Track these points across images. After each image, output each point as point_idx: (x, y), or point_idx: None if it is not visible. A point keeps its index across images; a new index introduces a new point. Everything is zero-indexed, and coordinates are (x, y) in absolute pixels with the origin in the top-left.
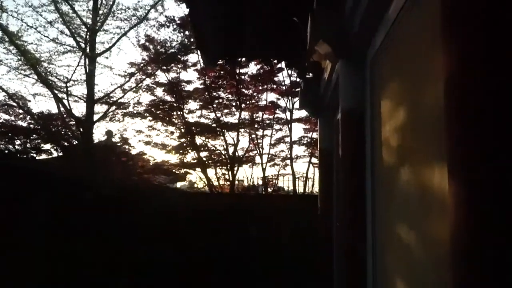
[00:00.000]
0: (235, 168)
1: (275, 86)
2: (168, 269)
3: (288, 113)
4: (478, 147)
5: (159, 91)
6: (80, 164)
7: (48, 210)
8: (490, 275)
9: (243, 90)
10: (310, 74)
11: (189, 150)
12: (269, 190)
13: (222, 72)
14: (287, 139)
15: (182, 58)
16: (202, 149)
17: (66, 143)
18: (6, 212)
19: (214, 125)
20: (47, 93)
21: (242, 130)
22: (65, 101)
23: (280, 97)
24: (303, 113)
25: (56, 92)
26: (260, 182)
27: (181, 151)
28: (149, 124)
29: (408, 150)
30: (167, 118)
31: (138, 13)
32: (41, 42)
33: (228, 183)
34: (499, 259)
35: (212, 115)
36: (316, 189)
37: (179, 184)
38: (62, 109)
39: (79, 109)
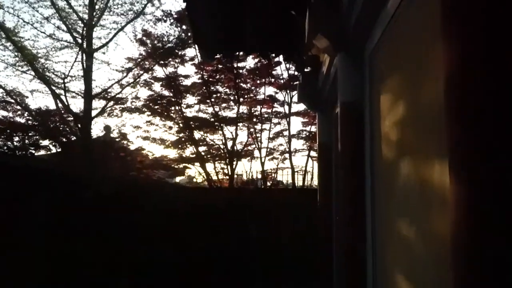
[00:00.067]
0: (234, 162)
1: (273, 80)
2: (168, 268)
3: (286, 107)
4: (478, 147)
5: (157, 86)
6: (79, 160)
7: (47, 209)
8: (490, 275)
9: (241, 84)
10: (309, 68)
11: (188, 145)
12: (268, 184)
13: (220, 66)
14: (286, 133)
15: (180, 53)
16: (200, 143)
17: (64, 139)
18: (5, 211)
19: (212, 119)
20: (45, 89)
21: (240, 124)
22: (62, 97)
23: (278, 91)
24: (302, 107)
25: (53, 88)
26: (259, 176)
27: (179, 146)
28: (147, 119)
29: (407, 145)
30: (165, 113)
31: (135, 7)
32: (37, 38)
33: (227, 177)
34: (499, 259)
35: (210, 110)
36: (315, 182)
37: (178, 179)
38: (60, 105)
39: (77, 105)
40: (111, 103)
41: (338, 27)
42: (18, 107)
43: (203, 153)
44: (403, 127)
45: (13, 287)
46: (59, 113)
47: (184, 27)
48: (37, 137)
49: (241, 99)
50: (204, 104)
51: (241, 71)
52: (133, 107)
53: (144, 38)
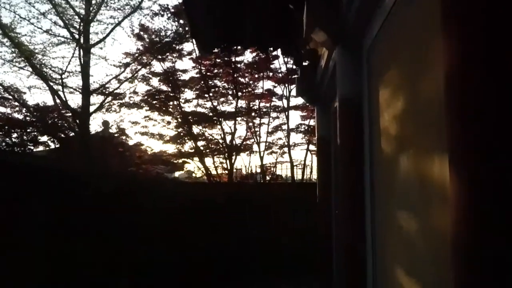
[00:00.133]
0: (233, 157)
1: (271, 74)
2: (168, 266)
3: (285, 101)
4: (478, 147)
5: (155, 81)
6: (78, 156)
7: (45, 207)
8: (491, 275)
9: (239, 78)
10: (307, 61)
11: (187, 140)
12: (267, 178)
13: (218, 61)
14: (284, 127)
15: (177, 47)
16: (199, 138)
17: (62, 135)
18: (4, 210)
19: (210, 114)
20: (42, 85)
21: (239, 118)
22: (60, 93)
23: (276, 85)
24: (300, 101)
25: (51, 84)
26: (258, 170)
27: (178, 141)
28: (145, 114)
29: (407, 139)
30: (164, 108)
31: (132, 2)
32: (34, 33)
33: (226, 171)
34: (499, 259)
35: (208, 104)
36: (314, 176)
37: (177, 174)
38: (57, 101)
39: (75, 100)
40: (109, 98)
41: (336, 21)
42: (16, 103)
43: (202, 148)
44: (402, 121)
45: (12, 287)
46: (57, 109)
47: (181, 21)
48: (36, 133)
49: (240, 94)
50: (202, 98)
51: (239, 65)
52: (131, 102)
53: (142, 33)
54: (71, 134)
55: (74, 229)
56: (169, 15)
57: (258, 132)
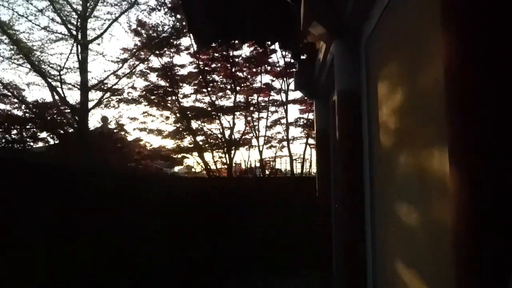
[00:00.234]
0: (232, 152)
1: (269, 68)
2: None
3: (283, 95)
4: (478, 147)
5: (153, 76)
6: (77, 152)
7: (44, 205)
8: (491, 274)
9: (237, 73)
10: (305, 55)
11: (186, 135)
12: (267, 172)
13: (215, 55)
14: (283, 121)
15: (175, 42)
16: (198, 133)
17: (62, 131)
18: (4, 210)
19: (209, 109)
20: (41, 81)
21: (237, 113)
22: (59, 89)
23: (274, 79)
24: (299, 94)
25: (49, 80)
26: (258, 165)
27: (177, 136)
28: (144, 109)
29: (406, 133)
30: (162, 103)
31: None
32: (32, 30)
33: (226, 166)
34: (499, 259)
35: (207, 99)
36: (314, 170)
37: (176, 169)
38: (56, 97)
39: (73, 96)
40: (108, 94)
41: (334, 14)
42: (15, 100)
43: (201, 143)
44: (402, 115)
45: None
46: (56, 105)
47: (178, 16)
48: (35, 129)
49: (238, 88)
50: (200, 93)
51: (237, 59)
52: (129, 98)
53: (139, 28)
54: (70, 130)
55: (73, 226)
56: (166, 10)
57: (257, 127)
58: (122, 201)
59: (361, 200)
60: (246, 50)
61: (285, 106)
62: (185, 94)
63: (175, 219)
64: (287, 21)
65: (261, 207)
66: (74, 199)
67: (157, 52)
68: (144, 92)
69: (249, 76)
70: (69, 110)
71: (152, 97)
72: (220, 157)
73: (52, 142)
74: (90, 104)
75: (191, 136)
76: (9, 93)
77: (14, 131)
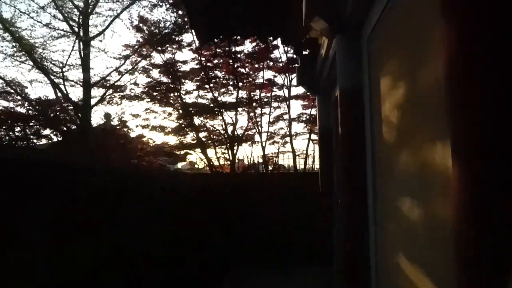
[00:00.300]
0: (235, 147)
1: (271, 64)
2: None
3: (285, 90)
4: (480, 146)
5: (155, 73)
6: (80, 149)
7: (46, 205)
8: (493, 274)
9: (240, 68)
10: (307, 50)
11: (188, 131)
12: (270, 168)
13: (218, 51)
14: (286, 117)
15: (177, 38)
16: (201, 129)
17: (65, 128)
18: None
19: (212, 105)
20: (44, 79)
21: (240, 109)
22: (61, 86)
23: (277, 75)
24: (301, 90)
25: (52, 77)
26: (261, 161)
27: (180, 133)
28: (146, 106)
29: (410, 130)
30: (165, 100)
31: None
32: (34, 27)
33: (229, 162)
34: (502, 259)
35: (209, 95)
36: (317, 165)
37: (179, 165)
38: (59, 94)
39: (76, 93)
40: (110, 91)
41: (335, 9)
42: (18, 98)
43: (203, 139)
44: (404, 110)
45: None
46: (59, 102)
47: (180, 12)
48: (38, 126)
49: (240, 84)
50: (203, 89)
51: (239, 55)
52: (132, 94)
53: (141, 25)
54: (73, 127)
55: (72, 224)
56: (167, 6)
57: (259, 122)
58: (124, 198)
59: (363, 199)
60: (248, 46)
61: (287, 102)
62: (187, 91)
63: (179, 215)
64: (290, 16)
65: (263, 202)
66: (75, 196)
67: (159, 48)
68: (146, 89)
69: (251, 72)
70: (72, 107)
71: (155, 94)
72: (223, 153)
73: (55, 139)
74: (93, 101)
75: (193, 132)
76: (12, 91)
77: (18, 129)
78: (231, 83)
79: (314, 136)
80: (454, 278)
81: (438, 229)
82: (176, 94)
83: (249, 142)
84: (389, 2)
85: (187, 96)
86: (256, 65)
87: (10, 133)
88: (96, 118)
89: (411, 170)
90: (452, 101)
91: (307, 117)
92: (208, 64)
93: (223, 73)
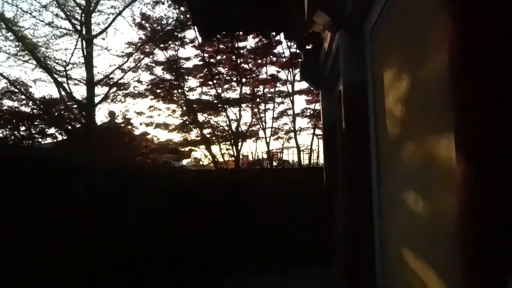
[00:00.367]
0: (239, 144)
1: (274, 59)
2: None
3: (289, 86)
4: (481, 146)
5: (158, 70)
6: (85, 148)
7: (49, 205)
8: (494, 274)
9: (243, 64)
10: (310, 45)
11: (192, 128)
12: (274, 164)
13: (221, 47)
14: (290, 112)
15: (179, 35)
16: (205, 126)
17: (69, 127)
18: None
19: (215, 101)
20: (47, 78)
21: (244, 105)
22: (65, 85)
23: (280, 70)
24: (305, 85)
25: (55, 76)
26: (265, 156)
27: (184, 129)
28: (150, 104)
29: (413, 123)
30: (168, 97)
31: None
32: (37, 26)
33: (233, 158)
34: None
35: (213, 92)
36: (321, 160)
37: (184, 162)
38: (63, 93)
39: (80, 92)
40: (114, 89)
41: (338, 2)
42: (23, 97)
43: (208, 136)
44: (408, 104)
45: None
46: (63, 101)
47: (182, 8)
48: (43, 125)
49: (243, 80)
50: (206, 86)
51: (242, 51)
52: (135, 92)
53: (143, 22)
54: (77, 126)
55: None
56: (169, 2)
57: (263, 118)
58: (125, 198)
59: (363, 199)
60: (251, 42)
61: (291, 97)
62: (190, 87)
63: (183, 211)
64: (292, 10)
65: (268, 198)
66: (77, 195)
67: (162, 45)
68: (150, 86)
69: (254, 68)
70: (76, 106)
71: (158, 91)
72: (227, 149)
73: (60, 138)
74: (97, 99)
75: (198, 129)
76: (17, 90)
77: (23, 128)
78: (234, 79)
79: (318, 131)
80: (457, 276)
81: (443, 224)
82: (179, 91)
83: (253, 138)
84: None
85: (190, 93)
86: (259, 61)
87: (15, 132)
88: (100, 116)
89: (415, 164)
90: (453, 101)
91: (311, 112)
92: (211, 60)
93: (226, 69)
